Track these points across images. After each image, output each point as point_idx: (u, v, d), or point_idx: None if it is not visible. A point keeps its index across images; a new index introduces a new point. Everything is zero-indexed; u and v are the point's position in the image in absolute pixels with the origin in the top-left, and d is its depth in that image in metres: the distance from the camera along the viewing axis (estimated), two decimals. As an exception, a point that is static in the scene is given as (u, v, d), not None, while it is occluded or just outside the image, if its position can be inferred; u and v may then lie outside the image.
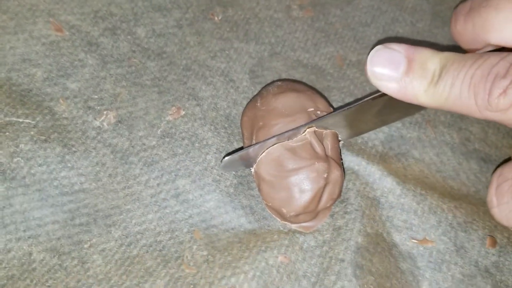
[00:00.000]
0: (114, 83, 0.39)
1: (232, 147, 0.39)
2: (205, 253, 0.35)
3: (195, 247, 0.35)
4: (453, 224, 0.37)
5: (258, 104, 0.36)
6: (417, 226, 0.37)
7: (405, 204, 0.38)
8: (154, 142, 0.38)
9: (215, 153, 0.38)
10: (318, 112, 0.35)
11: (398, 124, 0.41)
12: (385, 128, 0.40)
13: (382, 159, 0.39)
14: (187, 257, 0.34)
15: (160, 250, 0.35)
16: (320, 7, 0.46)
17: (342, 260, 0.35)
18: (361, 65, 0.43)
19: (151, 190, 0.36)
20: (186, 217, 0.36)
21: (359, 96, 0.42)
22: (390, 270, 0.35)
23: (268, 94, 0.36)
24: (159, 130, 0.38)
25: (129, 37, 0.41)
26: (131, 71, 0.40)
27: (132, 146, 0.38)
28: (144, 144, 0.38)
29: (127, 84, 0.39)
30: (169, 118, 0.39)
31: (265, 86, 0.39)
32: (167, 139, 0.38)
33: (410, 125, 0.41)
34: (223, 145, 0.39)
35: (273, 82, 0.39)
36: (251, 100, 0.39)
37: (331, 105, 0.38)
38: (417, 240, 0.37)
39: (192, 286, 0.33)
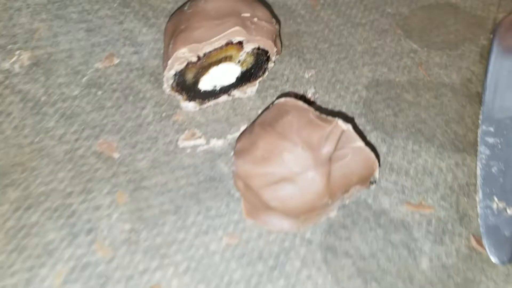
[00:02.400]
0: (31, 15, 0.32)
1: (178, 99, 0.31)
2: (127, 226, 0.26)
3: (115, 216, 0.26)
4: (454, 186, 0.29)
5: (186, 8, 0.29)
6: (410, 189, 0.29)
7: (394, 163, 0.29)
8: (76, 92, 0.30)
9: (153, 107, 0.31)
10: (255, 20, 0.28)
11: (383, 68, 0.33)
12: (367, 73, 0.33)
13: (366, 105, 0.31)
14: (102, 231, 0.26)
15: (67, 217, 0.26)
16: None
17: (310, 242, 0.26)
18: (338, 6, 0.36)
19: (66, 146, 0.28)
20: (108, 176, 0.28)
21: (335, 42, 0.34)
22: (378, 246, 0.26)
23: None
24: (85, 78, 0.31)
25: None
26: (53, 1, 0.33)
27: (48, 95, 0.30)
28: (63, 93, 0.30)
29: (47, 17, 0.32)
30: (99, 65, 0.31)
31: None
32: (93, 90, 0.31)
33: (397, 69, 0.33)
34: (165, 97, 0.31)
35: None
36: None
37: (277, 21, 0.31)
38: (411, 205, 0.28)
39: (103, 280, 0.24)
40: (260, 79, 0.32)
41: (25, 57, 0.31)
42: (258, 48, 0.29)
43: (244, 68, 0.30)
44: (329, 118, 0.26)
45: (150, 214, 0.27)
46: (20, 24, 0.31)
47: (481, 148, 0.30)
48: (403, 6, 0.37)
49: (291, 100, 0.27)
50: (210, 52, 0.28)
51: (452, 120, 0.31)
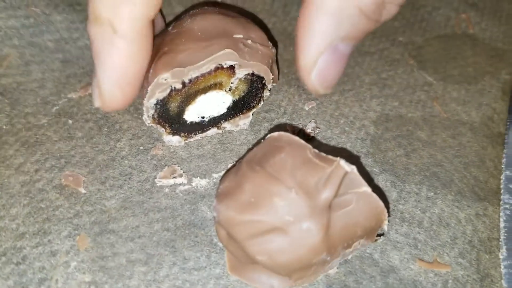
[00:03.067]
0: (2, 40, 0.29)
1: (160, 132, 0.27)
2: (87, 278, 0.22)
3: (74, 264, 0.22)
4: (474, 241, 0.25)
5: (170, 28, 0.26)
6: (423, 243, 0.24)
7: (405, 211, 0.25)
8: (44, 121, 0.27)
9: (130, 139, 0.27)
10: (249, 42, 0.25)
11: (394, 102, 0.29)
12: (376, 107, 0.29)
13: (374, 143, 0.28)
14: (57, 282, 0.22)
15: (17, 263, 0.22)
16: None
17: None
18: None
19: (24, 177, 0.25)
20: (70, 216, 0.24)
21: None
22: (384, 311, 0.22)
23: (186, 16, 0.26)
24: (55, 108, 0.27)
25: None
26: (28, 25, 0.30)
27: (12, 124, 0.26)
28: (29, 122, 0.27)
29: (20, 43, 0.29)
30: (72, 95, 0.28)
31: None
32: (63, 119, 0.27)
33: (410, 104, 0.29)
34: (145, 128, 0.27)
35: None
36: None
37: (274, 45, 0.28)
38: (425, 262, 0.24)
39: None
40: (254, 110, 0.28)
41: (-10, 85, 0.27)
42: (252, 74, 0.26)
43: (236, 97, 0.27)
44: (330, 157, 0.22)
45: (115, 264, 0.23)
46: (-12, 49, 0.28)
47: (505, 197, 0.26)
48: (416, 35, 0.33)
49: (285, 135, 0.23)
50: (197, 77, 0.25)
51: (472, 164, 0.27)
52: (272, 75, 0.27)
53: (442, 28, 0.34)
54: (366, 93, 0.30)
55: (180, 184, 0.26)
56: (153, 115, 0.25)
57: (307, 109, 0.29)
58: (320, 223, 0.21)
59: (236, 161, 0.26)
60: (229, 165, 0.26)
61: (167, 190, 0.25)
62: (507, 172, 0.27)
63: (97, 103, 0.25)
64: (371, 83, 0.31)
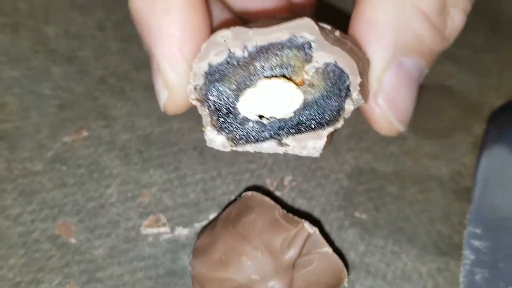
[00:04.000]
0: (4, 89, 0.31)
1: (148, 176, 0.29)
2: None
3: (62, 311, 0.25)
4: (435, 297, 0.27)
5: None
6: (385, 298, 0.26)
7: (371, 265, 0.27)
8: (39, 167, 0.29)
9: (119, 185, 0.29)
10: (337, 34, 0.20)
11: (367, 156, 0.31)
12: (351, 160, 0.31)
13: (347, 196, 0.29)
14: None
15: (11, 312, 0.24)
16: None
17: None
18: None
19: (22, 228, 0.27)
20: (61, 265, 0.26)
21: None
22: None
23: None
24: (50, 152, 0.29)
25: (34, 35, 0.33)
26: (28, 75, 0.32)
27: (10, 170, 0.29)
28: (26, 168, 0.29)
29: (20, 91, 0.31)
30: (66, 139, 0.30)
31: None
32: (57, 165, 0.29)
33: (383, 157, 0.31)
34: (133, 174, 0.29)
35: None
36: None
37: None
38: (384, 317, 0.26)
39: None
40: (331, 128, 0.21)
41: (-9, 130, 0.29)
42: (335, 67, 0.19)
43: (310, 97, 0.20)
44: (296, 218, 0.24)
45: (100, 311, 0.25)
46: (-9, 97, 0.31)
47: (466, 252, 0.28)
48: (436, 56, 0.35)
49: (257, 195, 0.25)
50: (264, 48, 0.19)
51: (437, 219, 0.29)
52: (360, 87, 0.19)
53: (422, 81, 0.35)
54: (343, 146, 0.32)
55: (163, 233, 0.28)
56: (200, 88, 0.20)
57: (286, 161, 0.31)
58: (284, 282, 0.23)
59: (217, 215, 0.28)
60: (211, 216, 0.29)
61: (151, 239, 0.28)
62: (470, 228, 0.29)
63: (163, 96, 0.21)
64: (348, 135, 0.32)
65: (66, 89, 0.32)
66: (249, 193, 0.25)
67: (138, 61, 0.33)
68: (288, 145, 0.21)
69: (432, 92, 0.35)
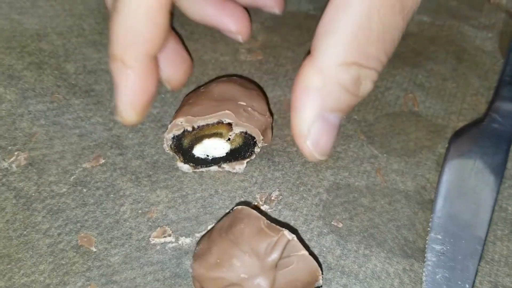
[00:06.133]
0: (32, 121, 0.36)
1: (155, 195, 0.35)
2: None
3: (85, 308, 0.30)
4: (399, 292, 0.31)
5: (202, 88, 0.36)
6: (356, 293, 0.31)
7: (346, 266, 0.32)
8: (64, 190, 0.34)
9: (131, 204, 0.34)
10: (249, 109, 0.33)
11: (344, 173, 0.36)
12: (330, 176, 0.36)
13: (326, 208, 0.34)
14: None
15: (42, 309, 0.29)
16: (270, 49, 0.44)
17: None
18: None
19: (50, 240, 0.32)
20: (83, 270, 0.31)
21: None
22: None
23: (215, 81, 0.36)
24: (73, 177, 0.35)
25: (56, 72, 0.39)
26: (52, 108, 0.37)
27: (39, 192, 0.34)
28: (52, 190, 0.34)
29: (45, 122, 0.36)
30: (86, 165, 0.35)
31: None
32: (79, 188, 0.34)
33: (358, 174, 0.36)
34: (143, 194, 0.35)
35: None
36: None
37: (271, 115, 0.36)
38: (355, 309, 0.31)
39: None
40: (248, 160, 0.36)
41: (22, 157, 0.35)
42: (246, 133, 0.34)
43: (233, 146, 0.35)
44: (278, 227, 0.29)
45: (117, 308, 0.30)
46: (21, 128, 0.36)
47: (428, 255, 0.33)
48: (369, 113, 0.40)
49: (246, 209, 0.30)
50: (203, 125, 0.33)
51: (404, 226, 0.34)
52: (263, 137, 0.34)
53: (392, 107, 0.40)
54: (322, 164, 0.37)
55: (169, 242, 0.33)
56: (170, 145, 0.34)
57: (273, 178, 0.36)
58: (268, 279, 0.28)
59: (213, 226, 0.33)
60: (209, 227, 0.34)
61: (158, 247, 0.33)
62: (432, 234, 0.33)
63: (117, 118, 0.33)
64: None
65: (85, 118, 0.37)
66: (239, 207, 0.30)
67: (146, 96, 0.39)
68: (224, 168, 0.36)
69: (401, 116, 0.40)
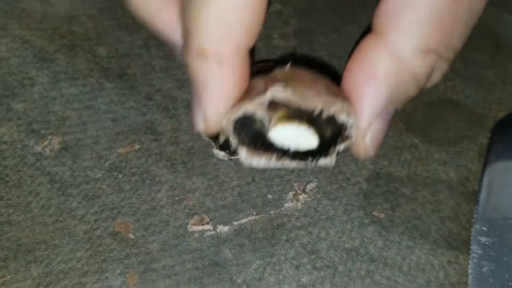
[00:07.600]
0: (65, 104, 0.35)
1: (190, 183, 0.34)
2: (135, 307, 0.29)
3: (125, 296, 0.29)
4: (445, 284, 0.30)
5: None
6: (402, 285, 0.30)
7: (389, 257, 0.31)
8: (99, 175, 0.33)
9: (167, 190, 0.33)
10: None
11: (384, 161, 0.35)
12: (369, 165, 0.35)
13: (366, 197, 0.34)
14: (112, 309, 0.28)
15: (81, 297, 0.29)
16: (303, 35, 0.43)
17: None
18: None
19: (86, 226, 0.31)
20: (121, 257, 0.30)
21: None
22: None
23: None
24: (107, 162, 0.34)
25: (88, 54, 0.38)
26: (85, 91, 0.36)
27: (74, 177, 0.33)
28: (87, 176, 0.33)
29: (79, 106, 0.36)
30: (121, 150, 0.35)
31: None
32: (114, 173, 0.34)
33: (398, 163, 0.35)
34: (179, 181, 0.34)
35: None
36: None
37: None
38: (400, 302, 0.30)
39: None
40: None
41: (55, 141, 0.34)
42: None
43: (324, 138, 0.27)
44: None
45: (156, 297, 0.29)
46: (54, 111, 0.35)
47: (473, 247, 0.32)
48: (407, 102, 0.39)
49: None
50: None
51: (447, 218, 0.33)
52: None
53: (430, 95, 0.39)
54: (362, 154, 0.36)
55: (207, 230, 0.32)
56: (235, 123, 0.26)
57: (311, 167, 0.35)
58: None
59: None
60: (248, 214, 0.33)
61: (196, 235, 0.32)
62: (477, 226, 0.32)
63: (201, 128, 0.26)
64: (366, 144, 0.36)
65: (118, 103, 0.36)
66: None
67: (180, 80, 0.38)
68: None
69: (440, 105, 0.39)
